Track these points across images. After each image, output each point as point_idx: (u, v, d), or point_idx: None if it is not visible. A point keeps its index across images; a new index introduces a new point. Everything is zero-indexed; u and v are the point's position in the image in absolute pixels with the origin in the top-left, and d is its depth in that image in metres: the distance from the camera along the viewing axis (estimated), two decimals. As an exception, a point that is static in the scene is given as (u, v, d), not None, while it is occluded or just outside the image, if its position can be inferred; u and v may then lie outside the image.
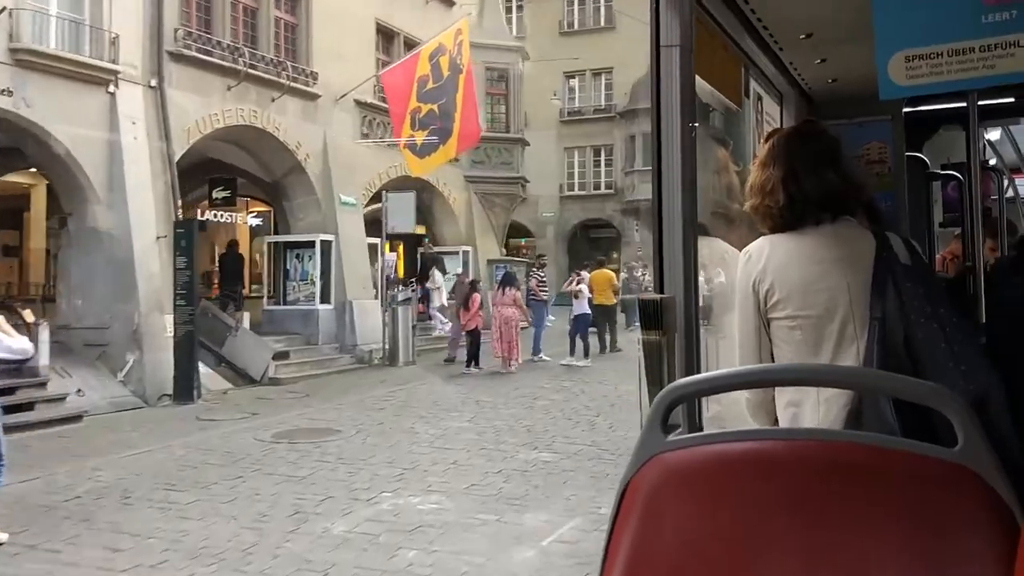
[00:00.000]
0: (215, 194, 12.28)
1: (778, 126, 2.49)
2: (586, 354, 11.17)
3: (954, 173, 2.94)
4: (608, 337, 12.61)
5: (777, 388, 1.59)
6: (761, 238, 1.62)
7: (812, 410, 1.48)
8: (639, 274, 18.71)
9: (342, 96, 12.89)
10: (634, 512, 0.90)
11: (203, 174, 12.34)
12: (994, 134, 3.69)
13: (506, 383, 9.73)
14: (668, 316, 1.64)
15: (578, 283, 11.87)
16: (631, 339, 13.93)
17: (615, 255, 25.08)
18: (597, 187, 27.06)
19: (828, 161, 1.53)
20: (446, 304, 14.01)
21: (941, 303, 1.38)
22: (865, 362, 1.43)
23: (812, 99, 2.79)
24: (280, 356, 10.52)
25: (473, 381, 9.98)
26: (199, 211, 13.08)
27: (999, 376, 1.28)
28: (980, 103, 2.06)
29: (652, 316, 1.63)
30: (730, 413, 1.99)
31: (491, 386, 9.52)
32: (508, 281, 10.99)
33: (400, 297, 12.14)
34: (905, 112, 2.47)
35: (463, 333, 11.09)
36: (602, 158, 27.07)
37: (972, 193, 2.18)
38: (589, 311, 11.29)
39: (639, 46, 22.65)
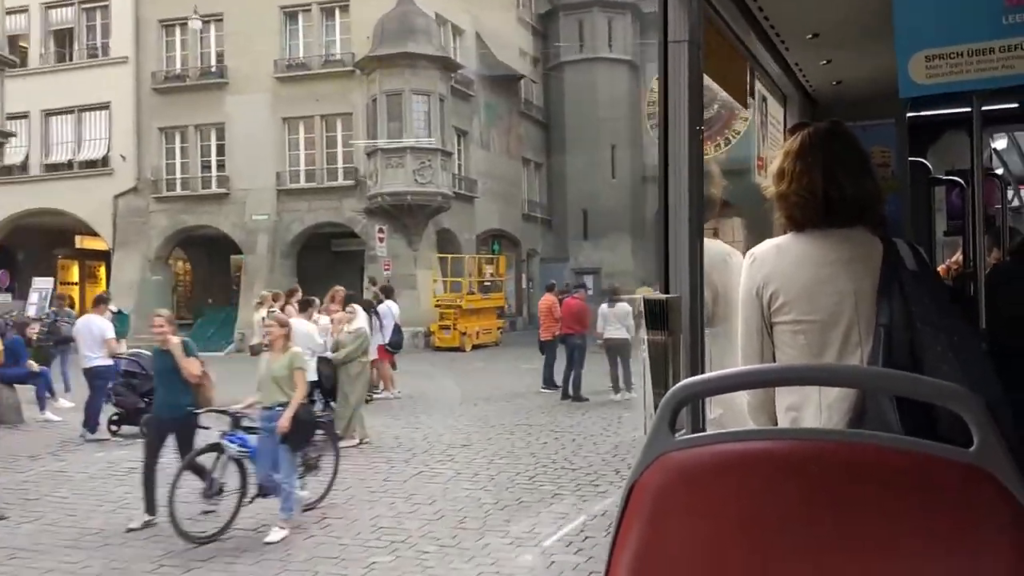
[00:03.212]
0: None
1: (785, 128, 3.51)
2: None
3: (956, 179, 4.21)
4: None
5: (777, 391, 2.17)
6: (766, 241, 2.25)
7: (814, 415, 2.04)
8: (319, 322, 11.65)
9: None
10: (641, 512, 1.22)
11: None
12: (1001, 143, 5.13)
13: None
14: (674, 317, 2.34)
15: None
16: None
17: (363, 275, 25.33)
18: (332, 176, 26.88)
19: (865, 166, 2.18)
20: None
21: (949, 313, 1.94)
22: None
23: (816, 101, 3.93)
24: None
25: None
26: None
27: (1004, 390, 1.80)
28: (984, 108, 2.99)
29: (658, 316, 2.34)
30: (731, 416, 2.83)
31: None
32: None
33: None
34: (909, 116, 3.56)
35: None
36: (338, 133, 26.92)
37: (975, 199, 3.28)
38: None
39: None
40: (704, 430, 2.25)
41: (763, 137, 3.46)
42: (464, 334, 24.30)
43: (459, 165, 29.06)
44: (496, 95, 31.37)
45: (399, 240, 25.75)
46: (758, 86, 3.38)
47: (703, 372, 2.41)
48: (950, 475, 1.14)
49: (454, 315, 24.33)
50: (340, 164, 26.99)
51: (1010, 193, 5.24)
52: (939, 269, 4.94)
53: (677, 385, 1.35)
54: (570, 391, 13.84)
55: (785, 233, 2.24)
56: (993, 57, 2.06)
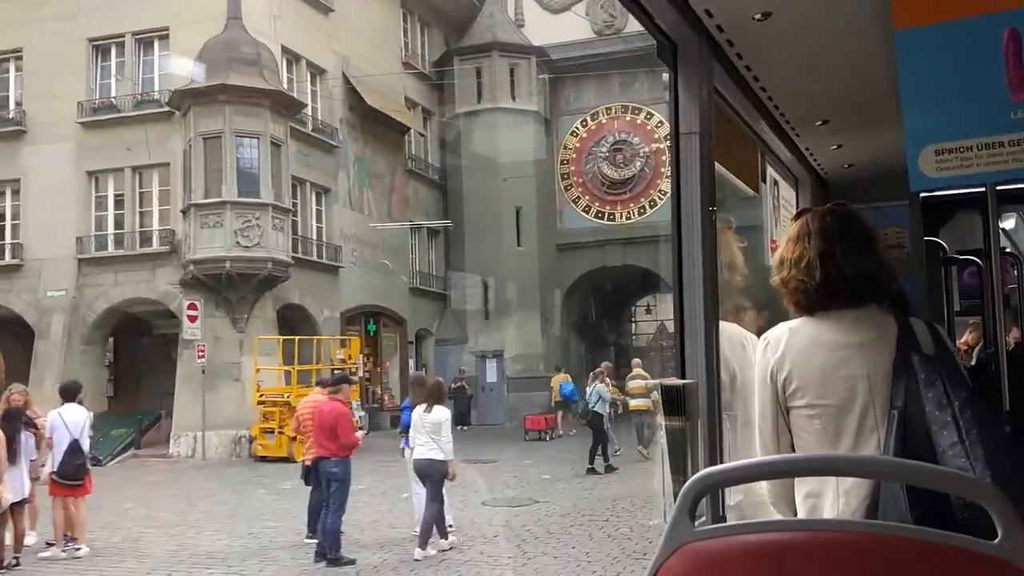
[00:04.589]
0: None
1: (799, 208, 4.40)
2: None
3: (973, 258, 5.07)
4: None
5: (797, 478, 2.64)
6: (781, 324, 2.75)
7: (832, 502, 2.50)
8: None
9: None
10: None
11: None
12: (1009, 223, 6.05)
13: None
14: (691, 402, 2.86)
15: None
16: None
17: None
18: (146, 241, 26.72)
19: (867, 244, 2.69)
20: None
21: (959, 394, 2.34)
22: (885, 453, 2.40)
23: (828, 184, 4.92)
24: None
25: None
26: None
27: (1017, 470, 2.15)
28: (998, 188, 3.66)
29: (675, 402, 2.85)
30: (751, 502, 3.40)
31: None
32: None
33: None
34: (922, 197, 4.34)
35: None
36: (153, 187, 26.92)
37: (992, 278, 4.04)
38: None
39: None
40: (724, 517, 2.80)
41: (776, 221, 4.33)
42: (294, 439, 20.57)
43: (317, 228, 29.47)
44: (372, 148, 32.10)
45: (221, 319, 25.40)
46: (769, 170, 4.28)
47: (721, 457, 2.98)
48: (974, 568, 1.47)
49: (280, 415, 22.91)
50: (155, 226, 26.80)
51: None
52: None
53: (696, 475, 1.71)
54: (327, 549, 11.19)
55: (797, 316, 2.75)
56: (1003, 151, 2.57)
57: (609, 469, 18.91)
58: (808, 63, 3.56)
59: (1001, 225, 5.96)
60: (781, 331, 2.73)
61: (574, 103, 38.14)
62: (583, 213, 37.36)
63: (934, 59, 2.65)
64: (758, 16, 3.03)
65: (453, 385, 31.12)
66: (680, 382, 2.91)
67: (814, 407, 2.60)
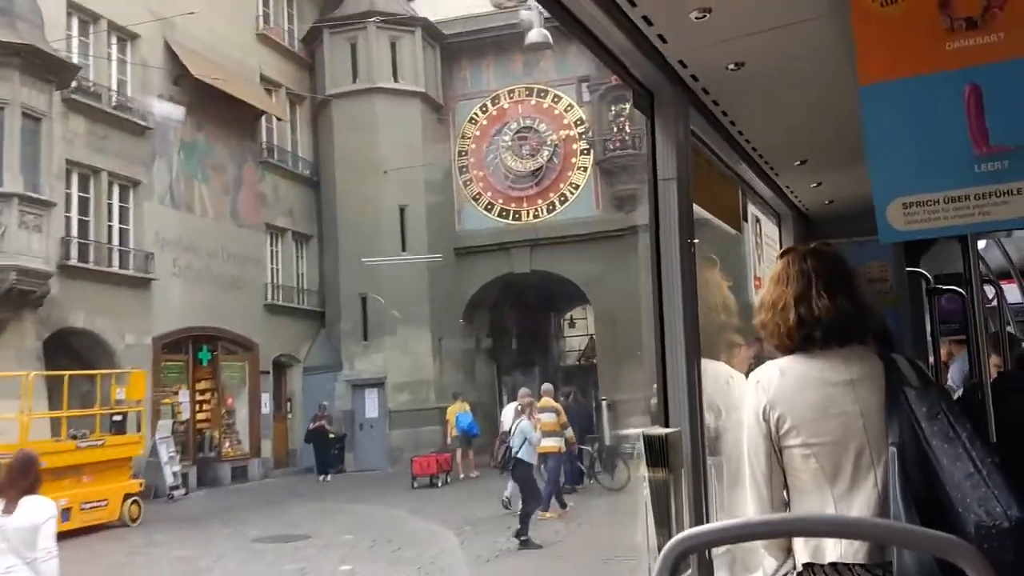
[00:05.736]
0: None
1: (780, 246, 5.38)
2: None
3: (956, 288, 5.92)
4: None
5: None
6: (769, 363, 3.34)
7: (835, 542, 2.99)
8: None
9: None
10: None
11: None
12: (981, 243, 6.90)
13: None
14: (674, 452, 3.36)
15: None
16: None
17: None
18: None
19: (843, 285, 3.26)
20: None
21: (964, 426, 2.84)
22: (883, 490, 2.92)
23: (810, 219, 5.91)
24: None
25: None
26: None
27: None
28: None
29: (658, 453, 3.34)
30: (742, 547, 3.97)
31: None
32: None
33: None
34: None
35: None
36: None
37: (975, 308, 4.69)
38: None
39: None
40: (711, 563, 3.39)
41: (759, 257, 5.23)
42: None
43: (121, 230, 28.55)
44: (209, 134, 31.82)
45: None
46: (751, 208, 5.23)
47: (707, 510, 3.53)
48: None
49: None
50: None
51: (995, 293, 7.43)
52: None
53: (676, 537, 1.97)
54: None
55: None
56: (969, 204, 3.01)
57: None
58: (783, 109, 4.31)
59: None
60: (771, 370, 3.31)
61: (472, 85, 38.94)
62: (485, 212, 37.98)
63: (898, 114, 3.13)
64: (731, 66, 3.68)
65: (311, 426, 31.31)
66: (663, 431, 3.41)
67: (809, 446, 3.14)
